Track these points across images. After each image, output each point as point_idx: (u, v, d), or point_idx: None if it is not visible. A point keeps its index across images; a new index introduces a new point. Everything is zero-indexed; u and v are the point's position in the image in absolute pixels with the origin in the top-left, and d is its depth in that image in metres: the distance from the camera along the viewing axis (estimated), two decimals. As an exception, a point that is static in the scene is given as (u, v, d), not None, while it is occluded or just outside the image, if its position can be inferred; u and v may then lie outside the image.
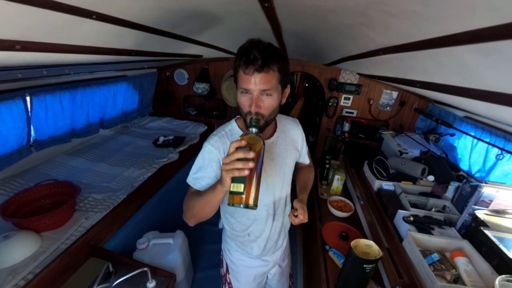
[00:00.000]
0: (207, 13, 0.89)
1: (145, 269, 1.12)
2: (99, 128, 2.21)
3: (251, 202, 0.64)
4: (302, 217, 0.85)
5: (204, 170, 0.88)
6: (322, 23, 0.86)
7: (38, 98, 1.56)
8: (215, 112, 2.92)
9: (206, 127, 2.76)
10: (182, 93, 2.93)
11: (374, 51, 0.86)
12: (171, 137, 2.36)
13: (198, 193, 0.85)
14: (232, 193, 0.64)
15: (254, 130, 0.69)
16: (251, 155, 0.62)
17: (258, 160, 0.66)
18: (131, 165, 1.89)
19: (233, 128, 0.94)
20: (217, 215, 1.10)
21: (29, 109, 1.55)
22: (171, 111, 2.98)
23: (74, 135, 1.98)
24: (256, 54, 0.71)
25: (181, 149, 2.22)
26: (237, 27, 1.09)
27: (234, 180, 0.64)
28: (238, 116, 0.97)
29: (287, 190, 1.08)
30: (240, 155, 0.62)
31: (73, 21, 0.61)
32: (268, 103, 0.78)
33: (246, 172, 0.61)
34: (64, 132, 1.85)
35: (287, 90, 0.86)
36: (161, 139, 2.31)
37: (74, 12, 0.58)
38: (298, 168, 1.19)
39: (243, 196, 0.63)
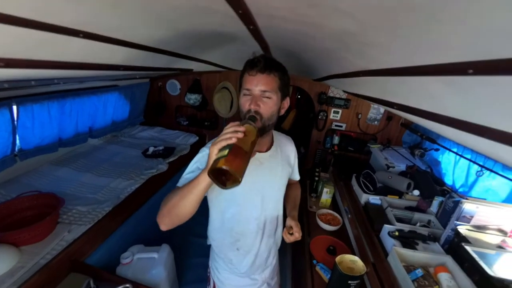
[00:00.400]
0: (196, 33, 0.92)
1: (128, 285, 1.09)
2: (88, 138, 2.18)
3: (233, 168, 0.58)
4: (298, 235, 0.88)
5: (196, 172, 0.83)
6: (306, 45, 0.90)
7: (25, 107, 1.55)
8: (206, 123, 2.93)
9: (197, 138, 2.76)
10: (174, 103, 2.94)
11: (355, 72, 0.90)
12: (161, 148, 2.34)
13: (180, 188, 0.77)
14: (216, 160, 0.60)
15: (250, 121, 0.72)
16: (241, 128, 0.63)
17: (249, 145, 0.65)
18: (119, 176, 1.87)
19: None
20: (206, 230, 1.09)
21: (15, 119, 1.52)
22: (163, 121, 2.98)
23: (61, 145, 1.95)
24: (260, 59, 0.79)
25: (170, 160, 2.21)
26: (226, 45, 1.12)
27: (220, 150, 0.62)
28: None
29: (279, 207, 1.09)
30: (230, 129, 0.64)
31: (59, 39, 0.62)
32: (267, 105, 0.82)
33: (233, 140, 0.61)
34: (50, 142, 1.83)
35: (286, 102, 0.90)
36: (151, 149, 2.29)
37: (59, 31, 0.59)
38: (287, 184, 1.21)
39: (227, 159, 0.58)
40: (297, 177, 1.24)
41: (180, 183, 0.84)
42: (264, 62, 0.79)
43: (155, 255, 1.35)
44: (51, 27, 0.58)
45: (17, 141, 1.60)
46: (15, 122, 1.53)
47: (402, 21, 0.42)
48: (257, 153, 0.95)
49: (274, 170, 1.00)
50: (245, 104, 0.82)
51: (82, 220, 1.39)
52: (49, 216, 1.21)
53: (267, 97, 0.82)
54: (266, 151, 0.98)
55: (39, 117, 1.66)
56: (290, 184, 1.22)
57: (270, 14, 0.68)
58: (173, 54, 1.11)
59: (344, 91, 2.16)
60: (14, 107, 1.50)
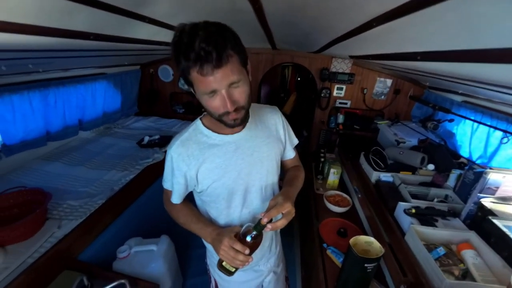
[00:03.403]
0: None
1: (123, 281, 1.00)
2: (78, 130, 2.07)
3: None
4: (280, 223, 0.74)
5: (172, 179, 0.84)
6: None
7: (2, 98, 1.42)
8: (203, 110, 2.80)
9: (194, 125, 2.64)
10: (168, 90, 2.80)
11: (366, 24, 0.75)
12: (156, 137, 2.23)
13: (189, 214, 0.88)
14: (223, 266, 0.76)
15: (254, 233, 0.73)
16: (250, 260, 0.72)
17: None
18: (113, 168, 1.76)
19: (197, 127, 0.83)
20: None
21: (-8, 111, 1.41)
22: (158, 110, 2.85)
23: (50, 138, 1.84)
24: (205, 47, 0.56)
25: (167, 149, 2.10)
26: (214, 8, 0.97)
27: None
28: (205, 113, 0.82)
29: (274, 183, 0.95)
30: (242, 258, 0.71)
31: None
32: (241, 93, 0.67)
33: (241, 267, 0.74)
34: (37, 135, 1.71)
35: (249, 66, 0.72)
36: (146, 139, 2.18)
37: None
38: (286, 170, 1.05)
39: (233, 273, 0.77)
40: (291, 154, 1.02)
41: (165, 185, 0.89)
42: (216, 52, 0.57)
43: (153, 247, 1.27)
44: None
45: (-1, 136, 1.49)
46: (-7, 115, 1.42)
47: None
48: (230, 135, 0.81)
49: (257, 152, 0.84)
50: (218, 107, 0.66)
51: (73, 215, 1.29)
52: (32, 213, 1.11)
53: (237, 86, 0.66)
54: (242, 129, 0.83)
55: (20, 109, 1.54)
56: (287, 168, 1.06)
57: None
58: (152, 21, 0.96)
59: (351, 57, 1.97)
60: (-10, 98, 1.38)
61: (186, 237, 1.87)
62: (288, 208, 0.74)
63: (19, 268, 1.01)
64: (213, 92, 0.64)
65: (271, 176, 0.92)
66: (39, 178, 1.60)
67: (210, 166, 0.80)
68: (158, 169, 1.85)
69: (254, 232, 0.73)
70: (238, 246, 0.71)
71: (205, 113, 0.84)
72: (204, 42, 0.57)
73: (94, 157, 1.91)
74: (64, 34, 0.75)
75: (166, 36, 1.19)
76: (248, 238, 0.73)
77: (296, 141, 1.04)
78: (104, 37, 0.92)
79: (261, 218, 0.72)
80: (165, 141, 2.18)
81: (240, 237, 0.74)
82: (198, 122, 0.84)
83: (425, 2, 0.47)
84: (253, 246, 0.74)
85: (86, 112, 2.10)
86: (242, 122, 0.73)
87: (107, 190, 1.50)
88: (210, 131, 0.81)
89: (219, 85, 0.62)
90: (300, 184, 0.98)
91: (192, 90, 0.70)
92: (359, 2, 0.66)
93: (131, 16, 0.86)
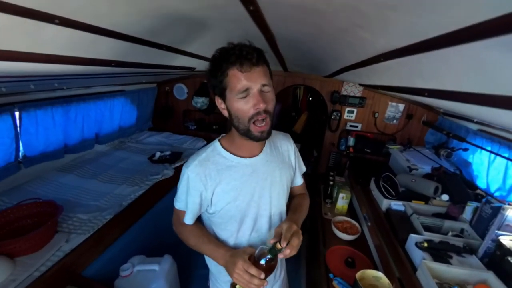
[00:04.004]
0: (190, 19, 0.83)
1: (123, 302, 1.00)
2: (94, 144, 2.16)
3: None
4: (288, 251, 0.71)
5: (187, 199, 0.82)
6: (315, 28, 0.79)
7: (28, 113, 1.52)
8: (214, 127, 2.86)
9: (205, 142, 2.69)
10: (181, 107, 2.90)
11: (375, 57, 0.77)
12: (168, 153, 2.28)
13: (201, 235, 0.85)
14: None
15: (269, 256, 0.71)
16: (265, 284, 0.70)
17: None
18: (123, 182, 1.81)
19: (216, 148, 0.84)
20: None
21: (17, 125, 1.50)
22: (171, 126, 2.94)
23: (68, 151, 1.93)
24: (246, 49, 0.67)
25: (177, 165, 2.14)
26: (227, 36, 1.02)
27: None
28: (223, 135, 0.88)
29: (282, 210, 0.95)
30: (255, 281, 0.68)
31: (30, 25, 0.55)
32: (270, 98, 0.73)
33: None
34: (56, 148, 1.80)
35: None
36: (157, 154, 2.23)
37: (28, 15, 0.52)
38: (292, 196, 1.05)
39: None
40: (299, 181, 1.04)
41: (178, 205, 0.86)
42: (256, 53, 0.68)
43: (156, 267, 1.26)
44: (21, 10, 0.51)
45: (21, 148, 1.58)
46: (18, 129, 1.51)
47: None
48: (248, 159, 0.83)
49: (271, 176, 0.86)
50: (247, 107, 0.70)
51: (82, 229, 1.32)
52: (45, 224, 1.15)
53: (268, 90, 0.72)
54: (259, 153, 0.86)
55: (43, 123, 1.64)
56: (294, 195, 1.06)
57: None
58: (168, 48, 1.03)
59: (361, 85, 1.99)
60: (17, 113, 1.48)
61: (190, 256, 1.85)
62: (295, 229, 0.76)
63: (26, 281, 1.03)
64: (247, 90, 0.69)
65: (282, 201, 0.93)
66: (53, 189, 1.66)
67: (226, 188, 0.81)
68: (166, 185, 1.88)
69: (269, 256, 0.71)
70: (253, 271, 0.69)
71: (223, 135, 0.88)
72: (245, 47, 0.68)
73: (106, 171, 1.97)
74: (88, 62, 0.82)
75: (182, 61, 1.27)
76: (262, 262, 0.71)
77: (304, 168, 1.06)
78: (124, 63, 0.99)
79: (276, 242, 0.71)
80: (175, 157, 2.23)
81: (254, 260, 0.72)
82: (216, 143, 0.86)
83: (431, 45, 0.48)
84: (268, 270, 0.72)
85: (103, 126, 2.19)
86: (267, 136, 0.77)
87: (116, 205, 1.53)
88: (228, 153, 0.82)
89: (254, 83, 0.68)
90: (305, 213, 0.98)
91: (221, 101, 0.75)
92: (369, 38, 0.68)
93: (149, 45, 0.92)
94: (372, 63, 0.86)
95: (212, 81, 0.73)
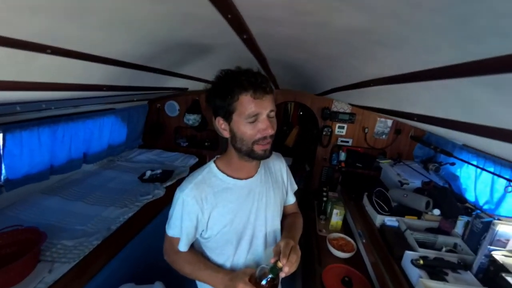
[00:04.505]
0: (185, 46, 0.84)
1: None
2: (82, 163, 2.08)
3: None
4: (287, 269, 0.70)
5: (181, 224, 0.79)
6: (306, 54, 0.81)
7: (12, 134, 1.47)
8: (207, 143, 2.84)
9: (197, 159, 2.66)
10: (173, 124, 2.87)
11: (365, 82, 0.80)
12: (158, 171, 2.23)
13: (197, 262, 0.82)
14: None
15: (270, 276, 0.69)
16: None
17: None
18: (112, 204, 1.74)
19: (211, 170, 0.83)
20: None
21: (0, 147, 1.44)
22: (162, 143, 2.89)
23: (53, 172, 1.85)
24: (259, 77, 0.70)
25: (168, 184, 2.09)
26: (220, 59, 1.04)
27: None
28: (218, 156, 0.88)
29: (277, 228, 0.94)
30: None
31: (20, 56, 0.54)
32: (274, 123, 0.76)
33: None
34: (41, 169, 1.73)
35: None
36: (148, 173, 2.18)
37: (19, 47, 0.51)
38: (285, 215, 1.05)
39: None
40: (291, 199, 1.05)
41: (171, 232, 0.82)
42: (267, 82, 0.71)
43: (146, 296, 1.19)
44: (11, 42, 0.50)
45: (3, 171, 1.50)
46: (0, 151, 1.45)
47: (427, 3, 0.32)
48: (244, 181, 0.83)
49: (265, 197, 0.87)
50: (254, 132, 0.73)
51: (67, 257, 1.24)
52: (26, 255, 1.07)
53: (274, 116, 0.76)
54: (254, 175, 0.86)
55: (28, 144, 1.58)
56: (286, 214, 1.05)
57: (262, 16, 0.59)
58: (161, 71, 1.03)
59: (351, 105, 2.05)
60: (0, 135, 1.42)
61: (181, 282, 1.76)
62: (292, 244, 0.75)
63: (3, 319, 0.95)
64: (257, 115, 0.71)
65: (276, 221, 0.93)
66: (37, 214, 1.57)
67: (223, 211, 0.80)
68: (157, 206, 1.82)
69: (271, 275, 0.69)
70: None
71: (218, 156, 0.88)
72: (258, 75, 0.71)
73: (94, 192, 1.89)
74: (80, 88, 0.81)
75: (175, 82, 1.27)
76: (264, 282, 0.69)
77: (295, 187, 1.06)
78: (116, 87, 0.98)
79: (276, 261, 0.69)
80: (166, 176, 2.18)
81: (255, 281, 0.70)
82: (212, 165, 0.85)
83: (418, 77, 0.50)
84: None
85: (91, 145, 2.13)
86: (270, 154, 0.78)
87: (104, 229, 1.46)
88: (224, 175, 0.82)
89: (265, 109, 0.71)
90: (299, 231, 0.98)
91: (223, 122, 0.75)
92: (359, 65, 0.71)
93: (143, 70, 0.92)
94: (363, 87, 0.89)
95: (217, 102, 0.73)
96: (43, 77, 0.66)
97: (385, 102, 0.97)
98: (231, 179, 0.82)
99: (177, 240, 0.82)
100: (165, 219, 0.84)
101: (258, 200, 0.85)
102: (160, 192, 1.93)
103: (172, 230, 0.82)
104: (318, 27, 0.52)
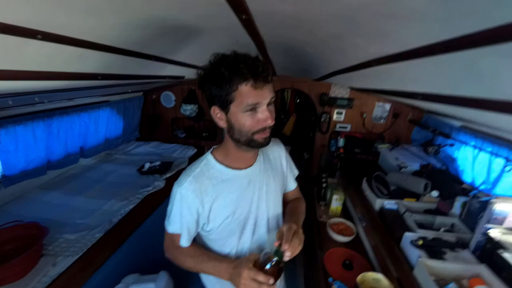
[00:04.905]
0: (179, 29, 0.81)
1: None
2: (79, 158, 2.06)
3: None
4: (289, 252, 0.68)
5: (181, 220, 0.78)
6: (307, 35, 0.79)
7: (6, 130, 1.43)
8: (204, 134, 2.82)
9: (195, 150, 2.64)
10: (169, 115, 2.84)
11: (367, 62, 0.78)
12: (157, 163, 2.22)
13: (200, 255, 0.80)
14: None
15: (276, 259, 0.68)
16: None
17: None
18: (112, 197, 1.73)
19: (209, 162, 0.82)
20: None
21: (-6, 143, 1.41)
22: (159, 135, 2.87)
23: (50, 167, 1.83)
24: (259, 65, 0.65)
25: (168, 175, 2.08)
26: (217, 44, 1.01)
27: None
28: (215, 147, 0.85)
29: (279, 214, 0.94)
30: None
31: (9, 42, 0.51)
32: (273, 112, 0.73)
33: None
34: (38, 165, 1.70)
35: None
36: (147, 165, 2.17)
37: (8, 31, 0.48)
38: (284, 202, 1.04)
39: None
40: (292, 185, 1.03)
41: (171, 229, 0.81)
42: (268, 70, 0.67)
43: (152, 285, 1.20)
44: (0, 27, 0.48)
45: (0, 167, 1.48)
46: (-5, 147, 1.42)
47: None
48: (244, 170, 0.82)
49: (266, 185, 0.86)
50: (253, 123, 0.70)
51: (70, 251, 1.25)
52: (29, 249, 1.07)
53: (273, 105, 0.72)
54: (253, 164, 0.85)
55: (23, 140, 1.55)
56: (288, 200, 1.05)
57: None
58: (156, 58, 1.00)
59: (352, 88, 2.03)
60: (-7, 131, 1.39)
61: (186, 272, 1.78)
62: (295, 228, 0.74)
63: (10, 312, 0.96)
64: (256, 105, 0.68)
65: (278, 208, 0.93)
66: (37, 210, 1.56)
67: (224, 202, 0.79)
68: (158, 198, 1.82)
69: (276, 258, 0.67)
70: (261, 277, 0.65)
71: (215, 147, 0.86)
72: (258, 62, 0.66)
73: (93, 186, 1.88)
74: (74, 77, 0.78)
75: (171, 70, 1.24)
76: (268, 266, 0.67)
77: (296, 172, 1.05)
78: (111, 76, 0.95)
79: (280, 244, 0.68)
80: (165, 167, 2.17)
81: (260, 266, 0.69)
82: (209, 157, 0.83)
83: (424, 52, 0.49)
84: (276, 274, 0.68)
85: (88, 139, 2.10)
86: (269, 141, 0.76)
87: (106, 222, 1.46)
88: (222, 166, 0.80)
89: (265, 99, 0.68)
90: (302, 215, 0.97)
91: (220, 111, 0.72)
92: (362, 44, 0.69)
93: (138, 56, 0.89)
94: (364, 68, 0.87)
95: (213, 91, 0.68)
96: (35, 65, 0.63)
97: (387, 83, 0.96)
98: (230, 170, 0.80)
99: (178, 236, 0.81)
100: (166, 209, 0.83)
101: (259, 189, 0.84)
102: (160, 183, 1.93)
103: (172, 226, 0.81)
104: (323, 1, 0.49)
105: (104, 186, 1.88)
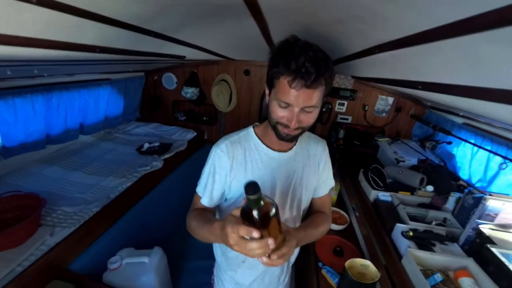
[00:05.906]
0: (182, 5, 0.79)
1: (112, 294, 0.98)
2: (79, 134, 2.07)
3: None
4: (272, 259, 0.56)
5: (213, 179, 0.79)
6: (311, 19, 0.77)
7: (5, 101, 1.43)
8: (205, 118, 2.81)
9: (195, 133, 2.64)
10: (170, 97, 2.82)
11: (370, 49, 0.77)
12: (156, 144, 2.23)
13: (200, 217, 0.75)
14: None
15: (255, 212, 0.52)
16: (271, 244, 0.51)
17: (277, 233, 0.56)
18: (110, 174, 1.75)
19: (249, 134, 0.83)
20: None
21: (-7, 114, 1.41)
22: (159, 117, 2.86)
23: (50, 141, 1.84)
24: (309, 67, 0.60)
25: (166, 156, 2.09)
26: (220, 25, 0.99)
27: None
28: (257, 124, 0.86)
29: (297, 217, 0.92)
30: (254, 244, 0.52)
31: (4, 4, 0.50)
32: (308, 119, 0.69)
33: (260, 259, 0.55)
34: (37, 138, 1.71)
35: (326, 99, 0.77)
36: (146, 145, 2.18)
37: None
38: (311, 212, 0.99)
39: None
40: (320, 192, 0.96)
41: (200, 193, 0.81)
42: (315, 75, 0.60)
43: (145, 259, 1.24)
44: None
45: (-1, 138, 1.49)
46: (-5, 118, 1.42)
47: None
48: (277, 153, 0.81)
49: (294, 176, 0.84)
50: (280, 115, 0.69)
51: (67, 222, 1.28)
52: (27, 218, 1.10)
53: (309, 112, 0.68)
54: (288, 150, 0.84)
55: (23, 112, 1.55)
56: (314, 211, 0.99)
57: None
58: (158, 35, 0.98)
59: (353, 77, 1.99)
60: (-7, 101, 1.39)
61: (180, 248, 1.84)
62: (295, 237, 0.63)
63: (8, 276, 0.99)
64: (287, 105, 0.66)
65: (296, 210, 0.89)
66: (36, 182, 1.59)
67: (249, 176, 0.79)
68: (155, 177, 1.84)
69: (256, 207, 0.52)
70: (243, 231, 0.52)
71: (257, 123, 0.87)
72: (310, 62, 0.61)
73: (92, 162, 1.90)
74: (71, 47, 0.77)
75: (172, 49, 1.22)
76: (255, 213, 0.52)
77: (331, 183, 0.99)
78: (110, 50, 0.94)
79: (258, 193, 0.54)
80: (164, 149, 2.18)
81: (246, 216, 0.53)
82: (250, 129, 0.85)
83: (427, 37, 0.48)
84: (263, 221, 0.52)
85: (88, 116, 2.10)
86: (292, 140, 0.75)
87: (103, 197, 1.48)
88: (259, 142, 0.82)
89: (297, 103, 0.65)
90: (316, 235, 0.86)
91: (267, 89, 0.72)
92: (365, 29, 0.67)
93: (137, 31, 0.87)
94: (367, 55, 0.85)
95: (268, 68, 0.69)
96: (32, 32, 0.62)
97: (389, 72, 0.94)
98: (265, 147, 0.81)
99: (200, 197, 0.82)
100: (163, 189, 0.84)
101: (285, 177, 0.83)
102: (158, 164, 1.94)
103: (199, 186, 0.82)
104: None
105: (102, 163, 1.90)
